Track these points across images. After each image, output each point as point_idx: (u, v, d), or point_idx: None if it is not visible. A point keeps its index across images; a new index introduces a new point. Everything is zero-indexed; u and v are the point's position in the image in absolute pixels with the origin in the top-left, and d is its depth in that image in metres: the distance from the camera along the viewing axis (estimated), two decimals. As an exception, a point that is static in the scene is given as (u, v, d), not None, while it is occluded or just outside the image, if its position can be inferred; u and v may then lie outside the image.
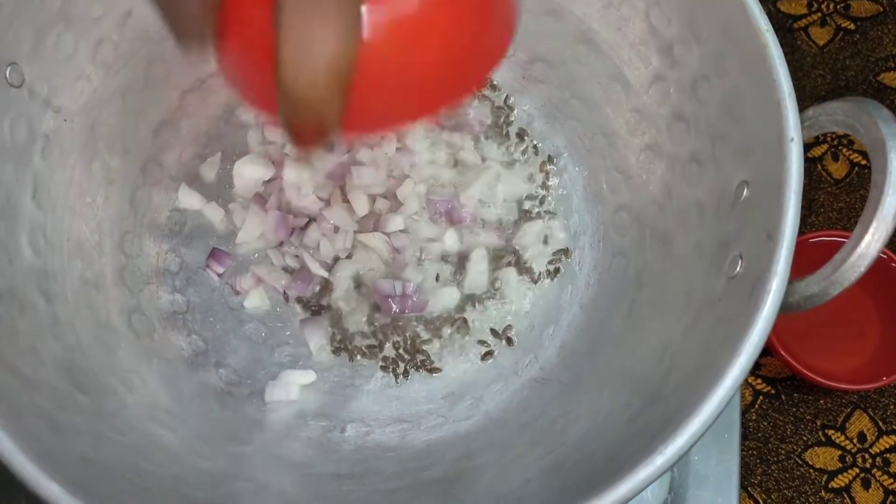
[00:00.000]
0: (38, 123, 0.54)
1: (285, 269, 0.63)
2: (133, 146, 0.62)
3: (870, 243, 0.42)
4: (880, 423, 0.77)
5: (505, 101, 0.68)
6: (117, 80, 0.60)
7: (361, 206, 0.63)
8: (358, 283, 0.63)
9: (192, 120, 0.66)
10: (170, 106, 0.65)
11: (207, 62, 0.64)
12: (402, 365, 0.61)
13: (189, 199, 0.64)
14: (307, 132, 0.32)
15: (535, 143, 0.67)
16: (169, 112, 0.65)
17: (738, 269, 0.47)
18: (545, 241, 0.64)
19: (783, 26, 0.88)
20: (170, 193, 0.64)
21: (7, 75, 0.51)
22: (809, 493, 0.76)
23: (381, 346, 0.62)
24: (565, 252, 0.64)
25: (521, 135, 0.67)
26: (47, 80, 0.54)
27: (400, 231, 0.63)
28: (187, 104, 0.65)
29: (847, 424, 0.78)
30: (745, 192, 0.49)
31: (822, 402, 0.78)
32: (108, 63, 0.59)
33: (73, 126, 0.57)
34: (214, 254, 0.63)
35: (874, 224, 0.42)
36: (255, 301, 0.62)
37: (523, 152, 0.67)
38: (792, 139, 0.46)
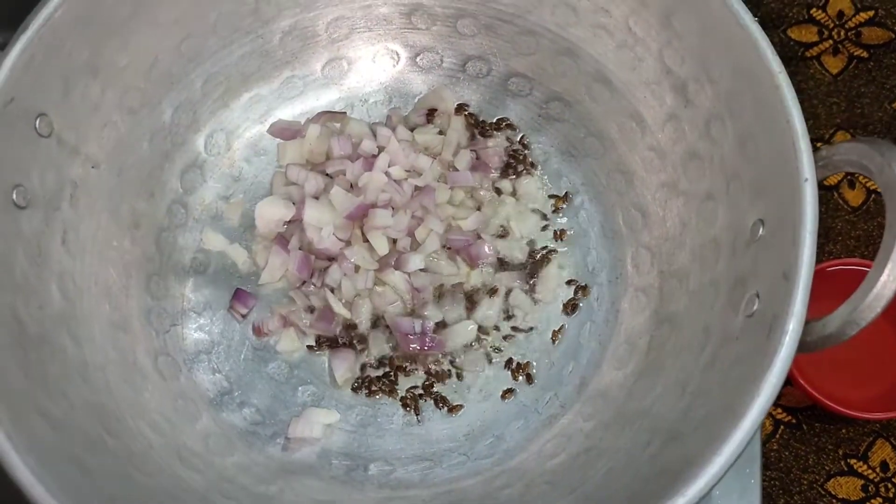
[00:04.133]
0: (66, 171, 0.56)
1: (308, 308, 0.64)
2: (159, 189, 0.64)
3: (886, 283, 0.43)
4: (903, 453, 0.77)
5: (521, 139, 0.69)
6: (143, 125, 0.61)
7: (381, 246, 0.64)
8: (378, 321, 0.64)
9: (215, 162, 0.67)
10: (194, 149, 0.66)
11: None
12: (422, 402, 0.62)
13: (213, 240, 0.66)
14: None
15: (552, 180, 0.68)
16: (193, 155, 0.66)
17: (755, 307, 0.48)
18: (563, 279, 0.65)
19: (795, 55, 0.88)
20: (194, 235, 0.66)
21: (37, 126, 0.53)
22: (833, 523, 0.76)
23: (400, 384, 0.62)
24: (583, 289, 0.64)
25: (537, 173, 0.68)
26: (75, 128, 0.56)
27: (420, 270, 0.64)
28: (212, 147, 0.67)
29: (869, 454, 0.78)
30: (760, 231, 0.50)
31: (843, 431, 0.78)
32: (135, 109, 0.60)
33: (100, 172, 0.59)
34: (238, 294, 0.64)
35: (889, 265, 0.43)
36: (287, 345, 0.63)
37: (540, 190, 0.68)
38: (806, 179, 0.46)
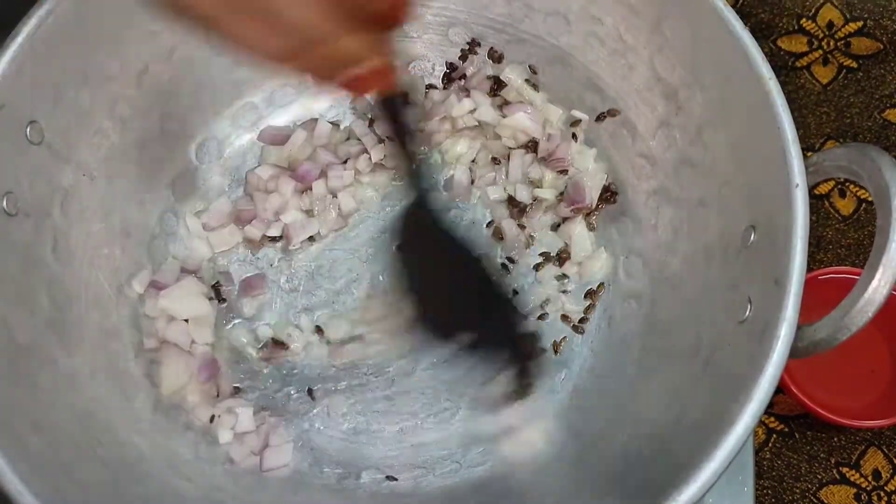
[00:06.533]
0: (57, 179, 0.56)
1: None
2: (149, 198, 0.64)
3: (877, 289, 0.43)
4: (894, 460, 0.77)
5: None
6: (134, 134, 0.61)
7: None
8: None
9: (207, 170, 0.67)
10: (185, 158, 0.66)
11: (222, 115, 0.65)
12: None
13: (204, 248, 0.65)
14: None
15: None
16: (185, 163, 0.66)
17: (747, 313, 0.48)
18: (556, 286, 0.65)
19: (786, 65, 0.89)
20: (185, 243, 0.65)
21: (27, 133, 0.53)
22: (826, 532, 0.76)
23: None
24: (576, 296, 0.64)
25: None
26: (66, 136, 0.56)
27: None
28: (203, 155, 0.67)
29: (861, 462, 0.77)
30: (752, 237, 0.50)
31: (835, 439, 0.78)
32: (125, 118, 0.60)
33: (91, 180, 0.58)
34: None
35: (880, 269, 0.43)
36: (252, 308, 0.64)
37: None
38: (797, 185, 0.46)
